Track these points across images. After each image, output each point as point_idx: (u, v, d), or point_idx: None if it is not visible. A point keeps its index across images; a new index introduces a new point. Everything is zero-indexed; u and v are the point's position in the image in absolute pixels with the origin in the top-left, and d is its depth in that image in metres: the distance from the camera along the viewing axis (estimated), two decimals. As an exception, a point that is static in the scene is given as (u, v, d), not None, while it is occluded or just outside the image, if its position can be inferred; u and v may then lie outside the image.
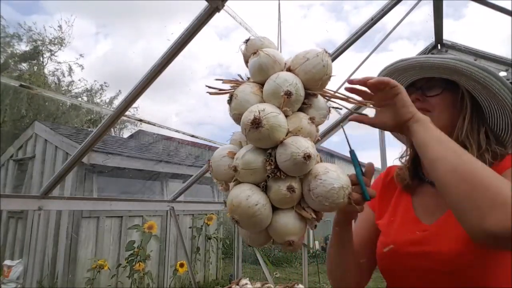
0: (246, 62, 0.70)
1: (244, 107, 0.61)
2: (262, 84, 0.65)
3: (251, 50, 0.68)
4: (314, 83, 0.64)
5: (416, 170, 0.84)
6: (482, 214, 0.52)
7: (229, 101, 0.65)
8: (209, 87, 0.68)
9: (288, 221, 0.59)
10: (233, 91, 0.64)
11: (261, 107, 0.58)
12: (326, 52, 0.64)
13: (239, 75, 0.71)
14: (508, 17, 1.92)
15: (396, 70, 0.79)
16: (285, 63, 0.67)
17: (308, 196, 0.59)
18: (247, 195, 0.58)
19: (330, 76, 0.65)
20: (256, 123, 0.56)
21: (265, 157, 0.59)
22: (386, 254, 0.76)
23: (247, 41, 0.70)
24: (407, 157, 0.86)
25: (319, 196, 0.57)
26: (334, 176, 0.57)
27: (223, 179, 0.67)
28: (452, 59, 0.71)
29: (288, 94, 0.59)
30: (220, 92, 0.68)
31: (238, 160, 0.60)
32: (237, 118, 0.63)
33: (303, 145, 0.56)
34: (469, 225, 0.55)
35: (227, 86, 0.69)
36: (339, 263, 0.81)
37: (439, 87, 0.77)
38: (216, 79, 0.69)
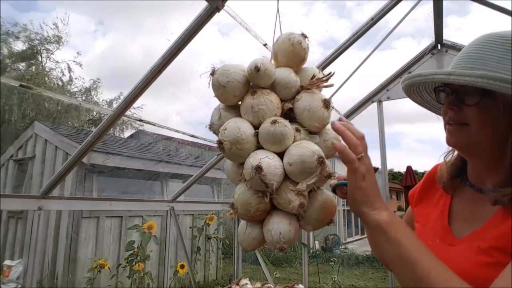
0: (291, 52, 0.67)
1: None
2: None
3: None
4: None
5: (460, 170, 0.74)
6: None
7: (328, 105, 0.66)
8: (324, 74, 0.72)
9: None
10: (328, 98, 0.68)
11: None
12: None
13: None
14: (508, 17, 1.92)
15: (423, 82, 0.68)
16: None
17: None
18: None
19: None
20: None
21: None
22: None
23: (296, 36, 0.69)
24: (452, 156, 0.76)
25: None
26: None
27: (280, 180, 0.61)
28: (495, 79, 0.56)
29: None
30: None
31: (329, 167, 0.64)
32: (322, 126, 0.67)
33: None
34: None
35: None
36: None
37: (477, 95, 0.61)
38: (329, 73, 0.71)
